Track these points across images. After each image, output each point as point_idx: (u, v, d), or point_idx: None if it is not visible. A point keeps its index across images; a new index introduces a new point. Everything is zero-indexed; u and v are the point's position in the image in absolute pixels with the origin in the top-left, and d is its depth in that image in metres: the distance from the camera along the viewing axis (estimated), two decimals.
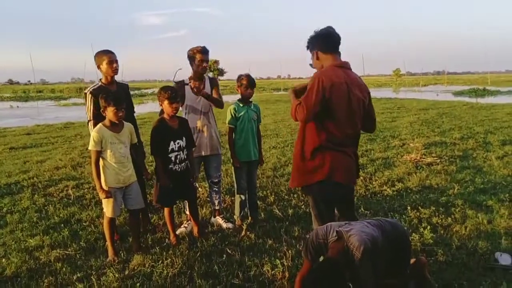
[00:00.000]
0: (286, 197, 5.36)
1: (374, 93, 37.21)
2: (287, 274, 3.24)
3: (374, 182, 5.91)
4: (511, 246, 3.68)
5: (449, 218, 4.36)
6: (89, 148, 3.54)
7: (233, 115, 4.21)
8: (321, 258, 2.68)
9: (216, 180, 4.49)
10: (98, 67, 3.98)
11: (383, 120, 13.57)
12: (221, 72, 65.77)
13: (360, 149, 8.54)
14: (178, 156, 3.92)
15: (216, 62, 64.01)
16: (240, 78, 4.23)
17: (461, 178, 5.98)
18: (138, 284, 3.21)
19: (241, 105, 4.25)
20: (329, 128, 2.84)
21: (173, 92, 3.81)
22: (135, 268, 3.48)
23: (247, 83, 4.17)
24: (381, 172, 6.51)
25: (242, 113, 4.21)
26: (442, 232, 4.06)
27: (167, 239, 4.07)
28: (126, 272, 3.40)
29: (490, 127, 11.23)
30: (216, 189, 4.52)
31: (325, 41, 2.96)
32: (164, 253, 3.73)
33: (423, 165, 6.89)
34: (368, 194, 5.44)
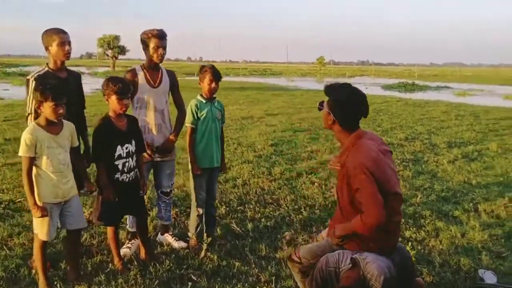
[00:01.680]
0: (239, 208, 5.33)
1: (300, 83, 38.61)
2: None
3: (331, 190, 6.09)
4: (492, 262, 4.03)
5: (422, 232, 4.65)
6: (20, 153, 3.19)
7: (195, 113, 4.05)
8: None
9: (168, 190, 4.32)
10: (47, 48, 3.65)
11: (320, 117, 13.94)
12: (123, 50, 63.20)
13: (304, 150, 8.80)
14: (127, 164, 3.69)
15: (117, 38, 61.43)
16: (203, 69, 4.09)
17: (420, 185, 6.41)
18: None
19: (203, 101, 4.10)
20: None
21: (124, 85, 3.58)
22: None
23: (212, 76, 4.04)
24: (336, 178, 6.73)
25: (205, 111, 4.07)
26: (419, 247, 4.31)
27: (110, 264, 3.83)
28: None
29: (431, 127, 12.20)
30: (167, 201, 4.35)
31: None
32: (113, 282, 3.51)
33: None
34: (328, 203, 5.60)
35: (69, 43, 3.73)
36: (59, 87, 3.26)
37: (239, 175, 6.72)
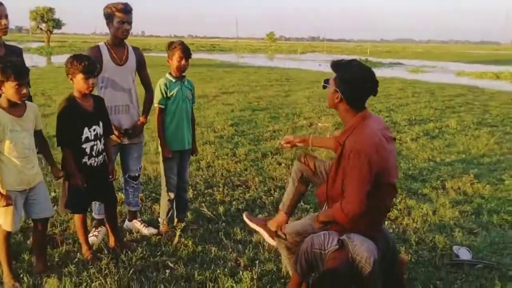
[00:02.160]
0: (207, 191, 5.32)
1: (251, 59, 38.55)
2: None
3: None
4: (465, 238, 4.24)
5: (395, 210, 4.82)
6: None
7: (164, 92, 3.97)
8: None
9: (136, 174, 4.25)
10: None
11: (277, 95, 14.17)
12: (58, 24, 60.46)
13: (266, 130, 8.86)
14: (95, 147, 3.59)
15: (51, 10, 58.64)
16: (171, 46, 4.01)
17: None
18: None
19: (173, 80, 4.02)
20: None
21: (90, 63, 3.45)
22: None
23: (182, 53, 3.96)
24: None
25: (175, 90, 4.00)
26: (393, 226, 4.48)
27: (78, 254, 3.74)
28: None
29: (390, 105, 12.57)
30: (135, 186, 4.28)
31: None
32: (84, 272, 3.43)
33: None
34: None
35: (6, 17, 3.53)
36: (22, 65, 3.11)
37: (202, 157, 6.67)
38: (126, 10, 3.88)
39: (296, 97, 13.84)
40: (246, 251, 3.87)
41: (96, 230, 4.12)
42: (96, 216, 4.14)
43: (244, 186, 5.55)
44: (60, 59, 27.49)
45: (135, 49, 4.19)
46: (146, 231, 4.21)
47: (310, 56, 47.87)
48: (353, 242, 2.56)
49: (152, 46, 56.82)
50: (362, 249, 2.52)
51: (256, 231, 3.63)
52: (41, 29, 60.84)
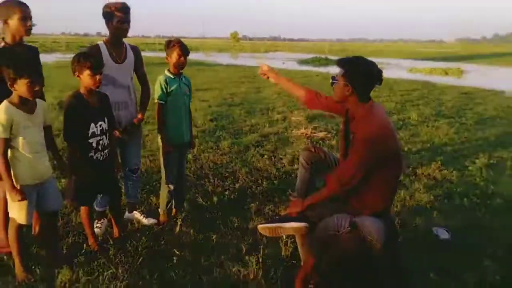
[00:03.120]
0: (198, 182, 5.31)
1: (218, 58, 38.25)
2: (261, 272, 3.30)
3: (281, 161, 6.24)
4: (442, 220, 4.40)
5: None
6: None
7: (164, 88, 3.93)
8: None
9: (135, 168, 4.20)
10: (5, 22, 3.31)
11: (248, 91, 14.20)
12: None
13: (244, 124, 8.87)
14: (101, 142, 3.53)
15: None
16: (170, 44, 3.97)
17: None
18: None
19: (172, 77, 3.99)
20: None
21: (97, 60, 3.40)
22: (67, 286, 3.09)
23: (180, 50, 3.93)
24: (282, 150, 6.89)
25: (174, 86, 3.96)
26: None
27: (84, 245, 3.68)
28: None
29: None
30: (135, 179, 4.23)
31: None
32: (95, 262, 3.39)
33: (317, 141, 7.54)
34: (281, 174, 5.74)
35: (30, 18, 3.46)
36: (35, 63, 3.03)
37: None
38: (124, 9, 3.81)
39: (267, 93, 13.89)
40: (245, 238, 3.91)
41: (99, 222, 4.06)
42: (97, 209, 4.07)
43: (232, 177, 5.56)
44: None
45: (133, 47, 4.13)
46: (146, 221, 4.18)
47: (273, 55, 47.88)
48: (364, 223, 2.64)
49: None
50: (373, 230, 2.61)
51: (279, 231, 3.21)
52: None
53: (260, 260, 3.43)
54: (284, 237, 3.70)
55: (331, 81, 3.08)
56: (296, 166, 5.99)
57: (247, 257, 3.50)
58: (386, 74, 16.48)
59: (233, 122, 9.08)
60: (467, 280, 3.28)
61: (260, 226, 3.17)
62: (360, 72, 2.93)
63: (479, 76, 24.61)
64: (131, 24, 3.91)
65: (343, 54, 52.84)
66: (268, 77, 3.86)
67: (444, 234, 4.07)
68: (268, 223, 3.18)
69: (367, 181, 2.86)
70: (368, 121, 2.88)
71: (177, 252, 3.60)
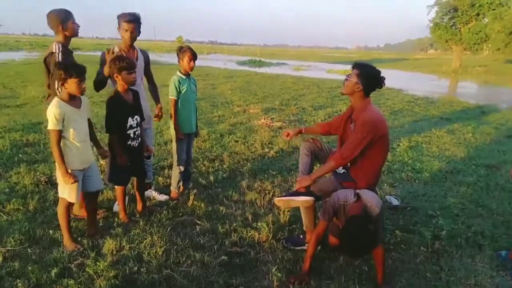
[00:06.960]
0: (193, 163, 5.29)
1: (169, 59, 37.09)
2: (270, 236, 3.41)
3: (254, 146, 6.33)
4: (391, 190, 4.72)
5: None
6: (49, 128, 2.82)
7: (177, 87, 3.92)
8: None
9: (150, 153, 4.13)
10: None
11: (205, 87, 14.02)
12: None
13: (212, 115, 8.83)
14: (136, 132, 3.54)
15: None
16: (182, 50, 3.94)
17: None
18: (135, 268, 2.86)
19: (183, 77, 3.99)
20: None
21: (130, 61, 3.33)
22: (114, 252, 3.04)
23: (191, 56, 3.92)
24: (251, 137, 6.98)
25: (185, 85, 3.98)
26: None
27: (116, 219, 3.60)
28: (110, 259, 2.95)
29: (293, 95, 13.01)
30: (149, 163, 4.16)
31: None
32: (130, 232, 3.34)
33: (276, 129, 7.70)
34: (258, 156, 5.83)
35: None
36: (81, 65, 2.92)
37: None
38: (131, 20, 3.69)
39: (221, 89, 13.82)
40: (246, 208, 4.00)
41: None
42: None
43: (218, 159, 5.59)
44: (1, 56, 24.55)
45: (143, 51, 4.03)
46: (161, 197, 4.15)
47: (214, 57, 47.32)
48: (365, 195, 2.83)
49: (81, 46, 52.60)
50: (372, 199, 2.81)
51: (291, 204, 3.24)
52: None
53: (271, 225, 3.54)
54: (282, 208, 3.81)
55: (345, 77, 3.25)
56: (266, 149, 6.13)
57: (254, 224, 3.60)
58: (310, 74, 16.80)
59: (202, 113, 8.99)
60: (424, 233, 3.58)
61: (276, 199, 3.25)
62: (371, 75, 3.13)
63: None
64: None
65: (272, 57, 53.07)
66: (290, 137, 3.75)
67: (395, 201, 4.39)
68: (282, 197, 3.28)
69: (363, 158, 3.06)
70: (368, 111, 3.12)
71: (198, 222, 3.63)
